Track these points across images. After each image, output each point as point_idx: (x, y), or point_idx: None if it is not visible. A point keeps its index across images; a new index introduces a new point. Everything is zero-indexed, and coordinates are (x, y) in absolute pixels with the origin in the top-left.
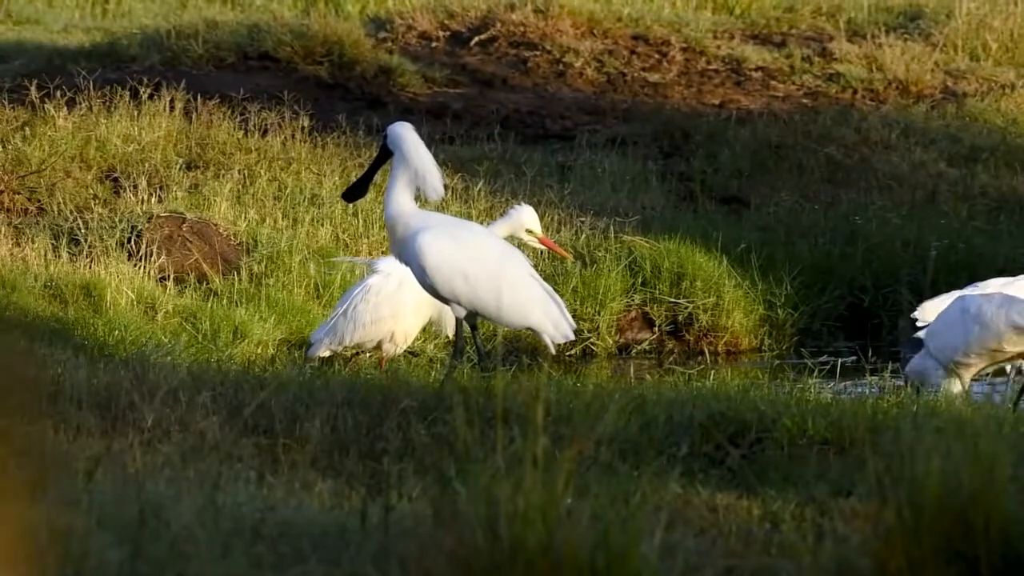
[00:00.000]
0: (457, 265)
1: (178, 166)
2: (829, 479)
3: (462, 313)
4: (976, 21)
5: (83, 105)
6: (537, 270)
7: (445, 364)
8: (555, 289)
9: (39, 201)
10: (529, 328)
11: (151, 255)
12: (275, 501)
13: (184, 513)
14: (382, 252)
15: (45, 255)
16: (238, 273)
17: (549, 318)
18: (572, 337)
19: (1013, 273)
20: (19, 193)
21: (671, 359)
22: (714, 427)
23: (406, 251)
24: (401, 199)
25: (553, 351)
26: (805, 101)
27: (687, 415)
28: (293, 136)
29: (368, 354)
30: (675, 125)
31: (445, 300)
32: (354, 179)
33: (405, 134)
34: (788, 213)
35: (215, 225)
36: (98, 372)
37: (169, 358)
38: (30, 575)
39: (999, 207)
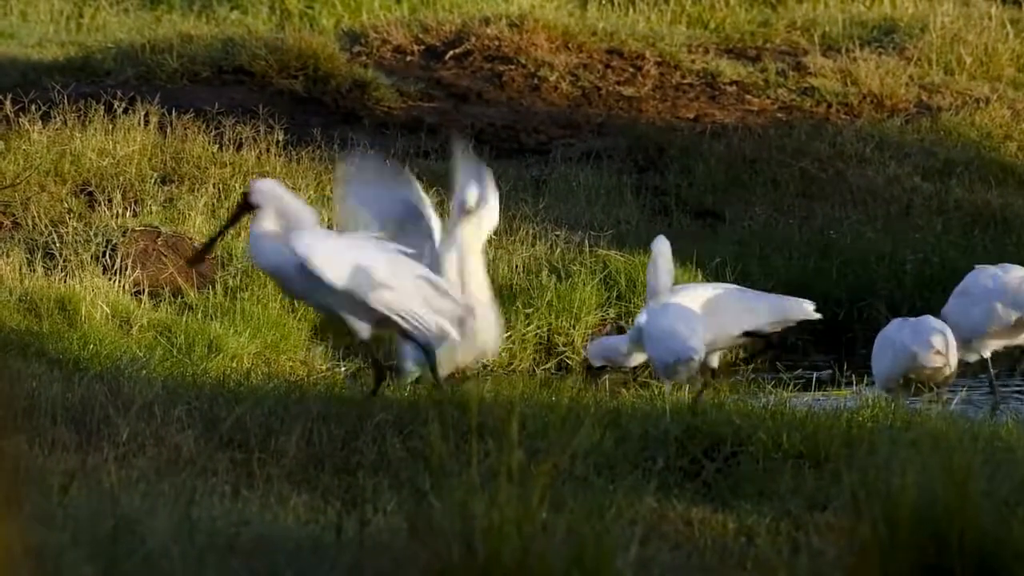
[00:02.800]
0: (346, 256)
1: (153, 180)
2: (804, 493)
3: (365, 330)
4: (950, 35)
5: (58, 119)
6: (511, 284)
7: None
8: (529, 303)
9: (14, 215)
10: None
11: (126, 269)
12: (250, 515)
13: (159, 528)
14: None
15: (20, 269)
16: (213, 287)
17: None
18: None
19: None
20: None
21: (646, 373)
22: (689, 441)
23: (292, 271)
24: (271, 246)
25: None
26: (780, 115)
27: (662, 429)
28: (268, 150)
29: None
30: (650, 139)
31: (348, 311)
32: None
33: (277, 190)
34: (763, 227)
35: (190, 239)
36: (73, 386)
37: (144, 372)
38: None
39: (973, 221)
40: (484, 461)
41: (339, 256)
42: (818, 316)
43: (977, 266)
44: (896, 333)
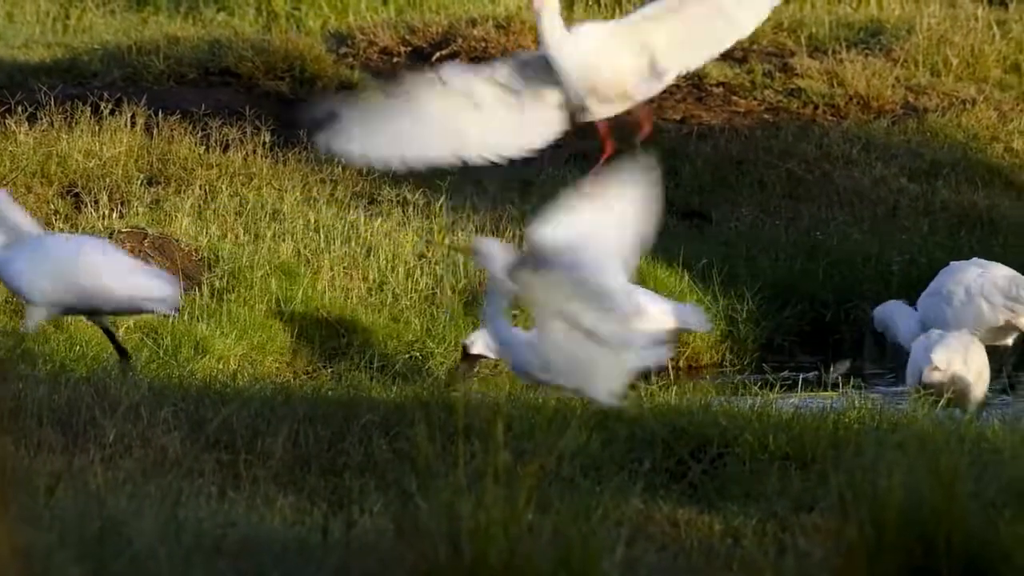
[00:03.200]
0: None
1: (139, 181)
2: (791, 494)
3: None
4: (937, 37)
5: (44, 120)
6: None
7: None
8: (517, 303)
9: None
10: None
11: None
12: (236, 517)
13: (146, 529)
14: (344, 267)
15: None
16: (199, 288)
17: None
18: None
19: None
20: None
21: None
22: (676, 442)
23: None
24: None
25: None
26: (766, 116)
27: (649, 430)
28: (254, 151)
29: None
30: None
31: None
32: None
33: (2, 203)
34: (749, 228)
35: (176, 241)
36: (59, 388)
37: (130, 374)
38: None
39: (960, 222)
40: (471, 462)
41: (40, 270)
42: (709, 327)
43: (952, 263)
44: (916, 344)
